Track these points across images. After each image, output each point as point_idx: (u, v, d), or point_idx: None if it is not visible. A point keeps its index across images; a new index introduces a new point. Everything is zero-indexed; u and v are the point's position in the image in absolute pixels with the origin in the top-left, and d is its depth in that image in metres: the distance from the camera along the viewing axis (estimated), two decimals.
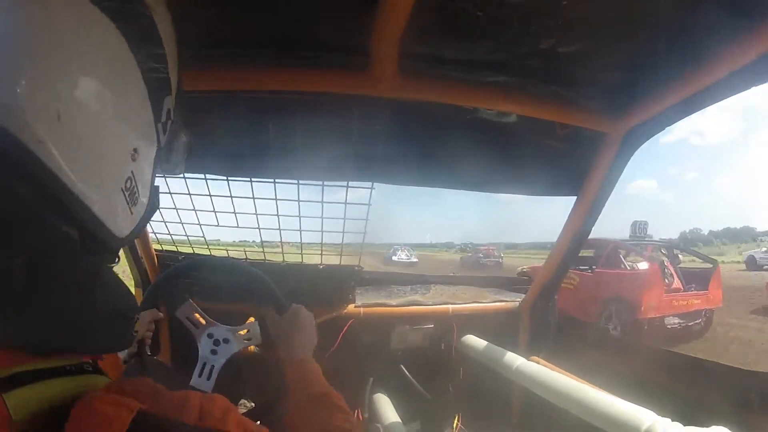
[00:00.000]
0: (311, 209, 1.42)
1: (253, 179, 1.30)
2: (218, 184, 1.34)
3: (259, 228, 1.57)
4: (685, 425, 0.85)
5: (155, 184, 0.45)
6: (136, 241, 1.46)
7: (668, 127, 1.09)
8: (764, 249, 19.68)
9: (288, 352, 0.83)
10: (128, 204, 0.39)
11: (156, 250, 1.59)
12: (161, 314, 1.20)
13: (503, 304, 1.84)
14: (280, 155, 1.19)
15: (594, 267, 7.13)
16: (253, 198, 1.36)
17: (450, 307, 1.78)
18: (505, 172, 1.34)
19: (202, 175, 1.29)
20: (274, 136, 1.14)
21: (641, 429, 0.88)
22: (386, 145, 1.19)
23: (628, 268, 6.91)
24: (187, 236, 1.55)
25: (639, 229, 7.56)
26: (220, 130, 1.09)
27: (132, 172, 0.38)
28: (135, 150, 0.38)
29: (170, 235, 1.51)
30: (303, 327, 0.88)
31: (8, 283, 0.29)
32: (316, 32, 0.90)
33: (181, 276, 1.22)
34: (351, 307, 1.67)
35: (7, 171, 0.30)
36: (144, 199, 0.42)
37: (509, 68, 0.99)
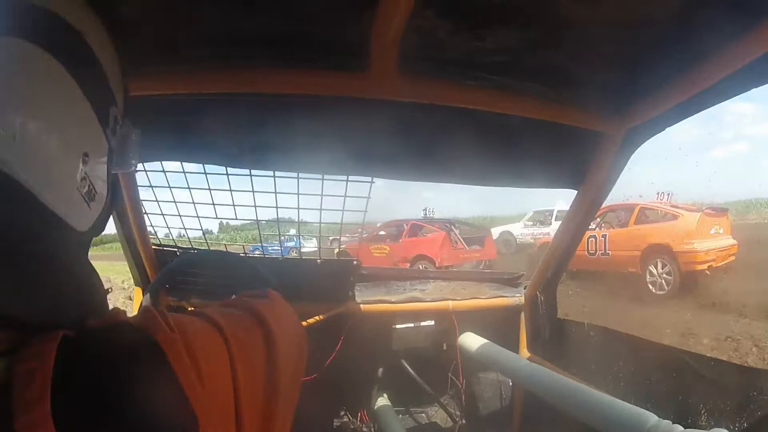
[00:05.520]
0: (310, 201, 1.42)
1: (252, 173, 1.30)
2: (218, 177, 1.34)
3: (257, 221, 1.57)
4: (685, 427, 0.84)
5: (114, 180, 0.52)
6: (134, 239, 1.44)
7: None
8: (522, 225, 14.99)
9: None
10: (86, 201, 0.45)
11: (154, 245, 1.57)
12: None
13: (503, 299, 1.82)
14: (280, 152, 1.19)
15: (399, 239, 10.63)
16: (253, 192, 1.36)
17: (450, 303, 1.76)
18: (505, 169, 1.34)
19: (201, 169, 1.28)
20: (274, 134, 1.13)
21: (642, 431, 0.88)
22: (386, 141, 1.17)
23: (426, 236, 10.43)
24: (185, 229, 1.55)
25: (429, 212, 11.87)
26: (220, 128, 1.08)
27: (85, 173, 0.44)
28: (85, 154, 0.45)
29: (168, 228, 1.50)
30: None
31: None
32: (314, 32, 0.88)
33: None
34: (351, 305, 1.66)
35: None
36: (103, 192, 0.49)
37: (509, 69, 0.98)
